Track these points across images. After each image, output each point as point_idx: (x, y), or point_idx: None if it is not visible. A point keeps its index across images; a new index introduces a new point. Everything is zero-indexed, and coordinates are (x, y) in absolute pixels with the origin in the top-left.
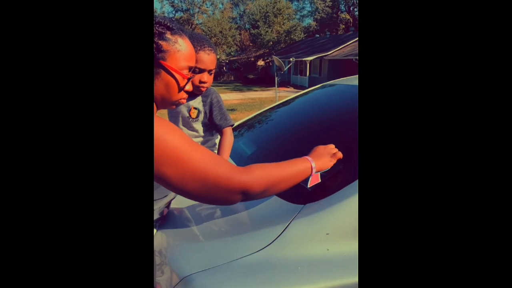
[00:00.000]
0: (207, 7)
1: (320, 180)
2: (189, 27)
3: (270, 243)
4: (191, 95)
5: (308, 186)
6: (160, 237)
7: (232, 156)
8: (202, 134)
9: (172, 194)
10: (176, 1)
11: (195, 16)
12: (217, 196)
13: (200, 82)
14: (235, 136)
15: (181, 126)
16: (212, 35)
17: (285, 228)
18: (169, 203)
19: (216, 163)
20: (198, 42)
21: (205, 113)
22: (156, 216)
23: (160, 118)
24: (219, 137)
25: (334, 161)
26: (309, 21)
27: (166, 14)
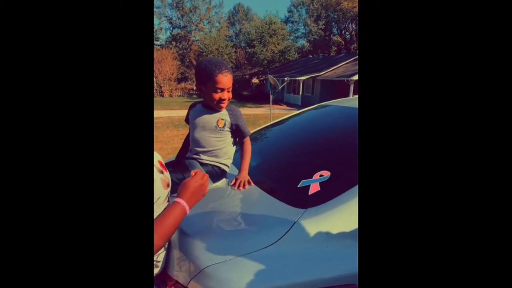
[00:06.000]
0: (204, 25)
1: (319, 188)
2: (186, 43)
3: (277, 241)
4: (215, 110)
5: (309, 193)
6: (177, 233)
7: (238, 166)
8: (229, 139)
9: (164, 192)
10: (174, 18)
11: (192, 33)
12: None
13: (221, 99)
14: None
15: (208, 135)
16: (209, 52)
17: (290, 229)
18: (168, 199)
19: None
20: (215, 66)
21: (231, 123)
22: (161, 214)
23: None
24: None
25: (205, 189)
26: (302, 42)
27: (163, 30)
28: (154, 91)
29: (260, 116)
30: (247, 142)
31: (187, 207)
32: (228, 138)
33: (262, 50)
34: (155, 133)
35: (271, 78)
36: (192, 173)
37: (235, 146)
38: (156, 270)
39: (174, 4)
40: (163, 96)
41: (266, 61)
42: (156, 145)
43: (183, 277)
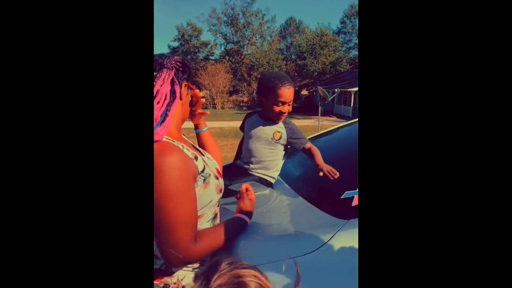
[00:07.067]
0: (256, 40)
1: None
2: (238, 57)
3: (315, 250)
4: (272, 122)
5: (353, 205)
6: None
7: (281, 175)
8: (281, 152)
9: (217, 196)
10: (228, 34)
11: (245, 47)
12: (163, 250)
13: (281, 112)
14: (286, 158)
15: (263, 146)
16: (260, 65)
17: (330, 239)
18: (218, 203)
19: (182, 227)
20: (278, 79)
21: (287, 136)
22: (210, 216)
23: (183, 153)
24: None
25: (253, 202)
26: (355, 53)
27: (218, 46)
28: (207, 103)
29: (308, 127)
30: (308, 146)
31: (247, 219)
32: (280, 151)
33: (312, 62)
34: None
35: (320, 89)
36: (243, 188)
37: (283, 160)
38: (203, 269)
39: (229, 21)
40: (215, 107)
41: (316, 73)
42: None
43: None
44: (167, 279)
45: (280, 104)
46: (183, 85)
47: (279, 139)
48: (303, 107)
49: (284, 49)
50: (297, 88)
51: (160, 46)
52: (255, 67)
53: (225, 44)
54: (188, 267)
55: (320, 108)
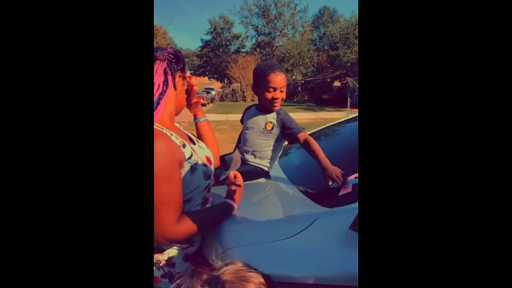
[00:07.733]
0: (288, 31)
1: (351, 190)
2: (270, 49)
3: (295, 235)
4: (266, 113)
5: (339, 194)
6: None
7: (281, 165)
8: (273, 143)
9: (205, 182)
10: (259, 26)
11: (276, 39)
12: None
13: (273, 98)
14: (296, 147)
15: (256, 136)
16: (290, 56)
17: (309, 225)
18: (209, 188)
19: (165, 208)
20: (269, 67)
21: (279, 127)
22: (199, 200)
23: (170, 140)
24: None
25: (240, 189)
26: None
27: (249, 38)
28: (237, 95)
29: (337, 120)
30: (303, 136)
31: (234, 205)
32: (274, 141)
33: (345, 52)
34: (233, 134)
35: (350, 81)
36: (232, 175)
37: (281, 150)
38: (193, 249)
39: (261, 13)
40: (245, 100)
41: (349, 64)
42: (233, 146)
43: (212, 256)
44: (158, 256)
45: (272, 90)
46: (177, 76)
47: (271, 130)
48: (334, 99)
49: (316, 40)
50: (329, 80)
51: (193, 39)
52: (286, 58)
53: (256, 36)
54: (178, 245)
55: (349, 100)
